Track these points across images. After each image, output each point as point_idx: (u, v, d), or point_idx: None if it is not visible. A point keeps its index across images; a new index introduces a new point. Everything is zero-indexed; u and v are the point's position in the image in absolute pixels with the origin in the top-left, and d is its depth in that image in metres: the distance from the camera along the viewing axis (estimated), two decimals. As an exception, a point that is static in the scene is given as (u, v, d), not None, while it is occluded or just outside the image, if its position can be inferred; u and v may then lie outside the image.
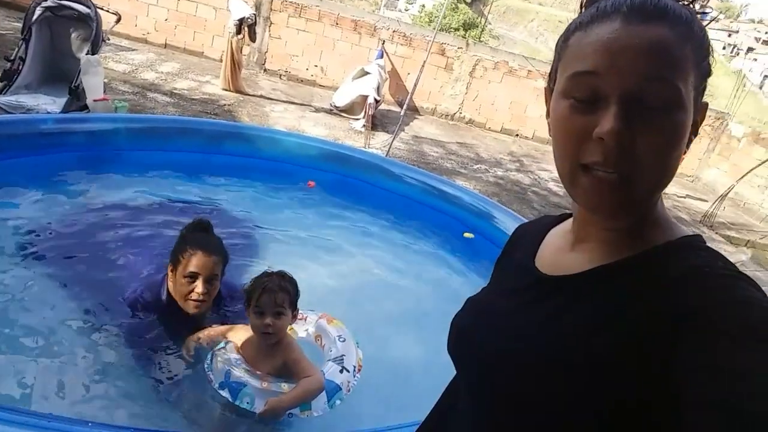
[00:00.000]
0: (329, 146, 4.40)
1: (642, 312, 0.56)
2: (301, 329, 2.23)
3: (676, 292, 0.55)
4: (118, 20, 4.75)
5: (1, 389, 1.74)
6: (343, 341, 2.11)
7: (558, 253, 0.73)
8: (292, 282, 1.94)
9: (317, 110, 7.86)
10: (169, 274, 2.03)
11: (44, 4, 4.34)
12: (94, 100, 4.09)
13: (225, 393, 1.81)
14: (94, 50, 4.26)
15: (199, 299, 1.97)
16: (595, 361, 0.56)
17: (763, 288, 0.56)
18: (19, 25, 4.54)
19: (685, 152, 0.62)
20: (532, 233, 0.81)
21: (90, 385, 1.83)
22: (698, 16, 0.62)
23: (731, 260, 0.60)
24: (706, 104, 0.64)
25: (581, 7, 0.65)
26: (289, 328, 2.12)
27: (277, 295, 1.85)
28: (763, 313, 0.51)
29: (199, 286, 1.96)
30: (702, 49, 0.61)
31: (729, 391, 0.46)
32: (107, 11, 4.71)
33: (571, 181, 0.63)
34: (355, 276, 3.06)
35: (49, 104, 4.08)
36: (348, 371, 1.97)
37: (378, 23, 9.27)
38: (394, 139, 6.46)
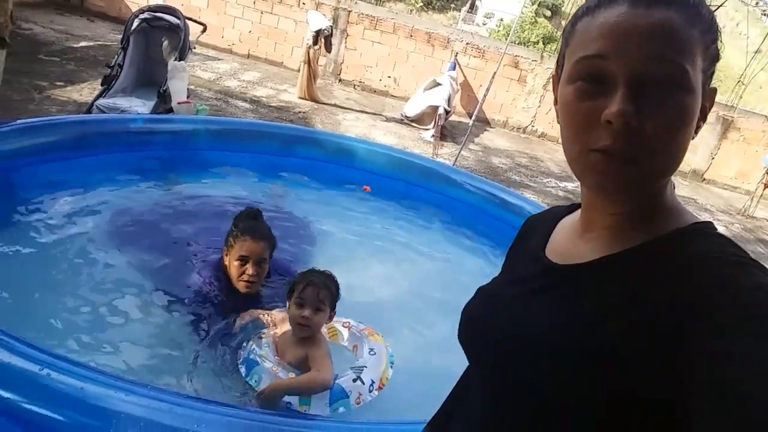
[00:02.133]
0: (388, 151, 4.48)
1: (651, 299, 0.56)
2: (344, 337, 2.23)
3: (686, 279, 0.55)
4: (204, 30, 5.11)
5: (78, 349, 1.94)
6: (373, 355, 2.04)
7: (567, 243, 0.73)
8: (336, 283, 2.03)
9: (388, 120, 8.01)
10: (224, 257, 2.25)
11: (141, 16, 4.76)
12: (179, 103, 4.41)
13: (242, 369, 1.91)
14: (181, 57, 4.62)
15: (249, 280, 2.17)
16: (603, 350, 0.56)
17: None
18: (120, 36, 4.99)
19: (693, 137, 0.62)
20: (543, 223, 0.81)
21: (149, 350, 2.03)
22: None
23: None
24: (715, 90, 0.64)
25: None
26: (333, 333, 2.19)
27: (321, 291, 1.93)
28: None
29: (249, 269, 2.16)
30: (710, 32, 0.60)
31: (738, 377, 0.46)
32: (195, 22, 5.08)
33: (579, 164, 0.63)
34: (403, 281, 3.11)
35: (139, 106, 4.46)
36: (363, 383, 1.89)
37: (452, 35, 9.33)
38: (461, 149, 6.46)
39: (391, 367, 2.06)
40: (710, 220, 0.66)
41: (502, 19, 18.54)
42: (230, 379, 1.93)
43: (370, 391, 1.90)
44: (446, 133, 7.96)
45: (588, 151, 0.61)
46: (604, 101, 0.58)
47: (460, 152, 6.41)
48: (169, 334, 2.12)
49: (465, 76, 9.36)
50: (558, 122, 0.67)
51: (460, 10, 20.75)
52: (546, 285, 0.69)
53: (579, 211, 0.74)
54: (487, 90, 6.36)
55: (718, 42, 0.62)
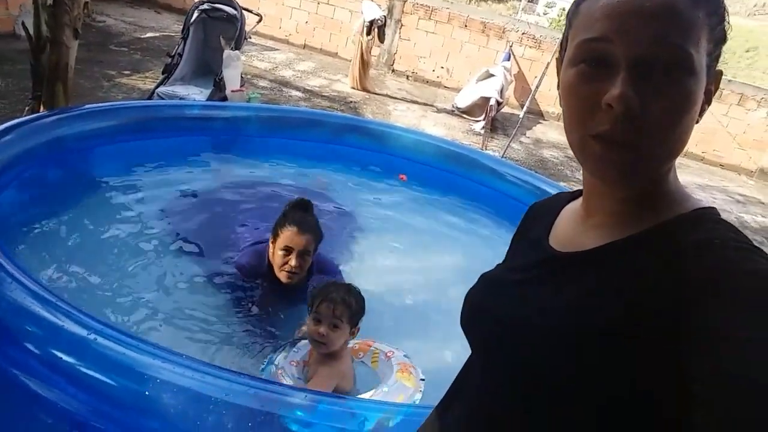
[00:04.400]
0: (426, 138, 4.48)
1: (650, 284, 0.56)
2: (383, 366, 2.06)
3: (687, 264, 0.55)
4: (260, 21, 5.27)
5: (123, 317, 2.10)
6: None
7: (570, 230, 0.72)
8: (359, 299, 1.91)
9: (439, 111, 7.97)
10: (270, 245, 2.26)
11: (201, 7, 4.95)
12: (232, 91, 4.58)
13: (263, 366, 1.94)
14: (236, 47, 4.79)
15: (291, 271, 2.16)
16: (600, 334, 0.56)
17: None
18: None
19: (698, 121, 0.61)
20: (547, 210, 0.80)
21: (186, 323, 2.16)
22: None
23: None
24: (721, 72, 0.63)
25: None
26: (375, 360, 2.07)
27: (337, 307, 1.83)
28: None
29: (292, 260, 2.15)
30: (716, 14, 0.60)
31: (737, 363, 0.46)
32: (251, 12, 5.24)
33: (581, 149, 0.63)
34: (436, 269, 3.13)
35: (196, 94, 4.66)
36: None
37: (507, 25, 9.14)
38: (511, 140, 6.36)
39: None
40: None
41: (564, 9, 17.90)
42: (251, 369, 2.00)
43: None
44: (497, 125, 7.83)
45: (588, 136, 0.60)
46: (606, 85, 0.58)
47: (509, 144, 6.31)
48: (207, 312, 2.23)
49: (520, 67, 9.16)
50: (560, 105, 0.66)
51: (520, 0, 20.21)
52: (547, 272, 0.69)
53: (582, 198, 0.74)
54: (540, 81, 6.22)
55: (725, 23, 0.61)
